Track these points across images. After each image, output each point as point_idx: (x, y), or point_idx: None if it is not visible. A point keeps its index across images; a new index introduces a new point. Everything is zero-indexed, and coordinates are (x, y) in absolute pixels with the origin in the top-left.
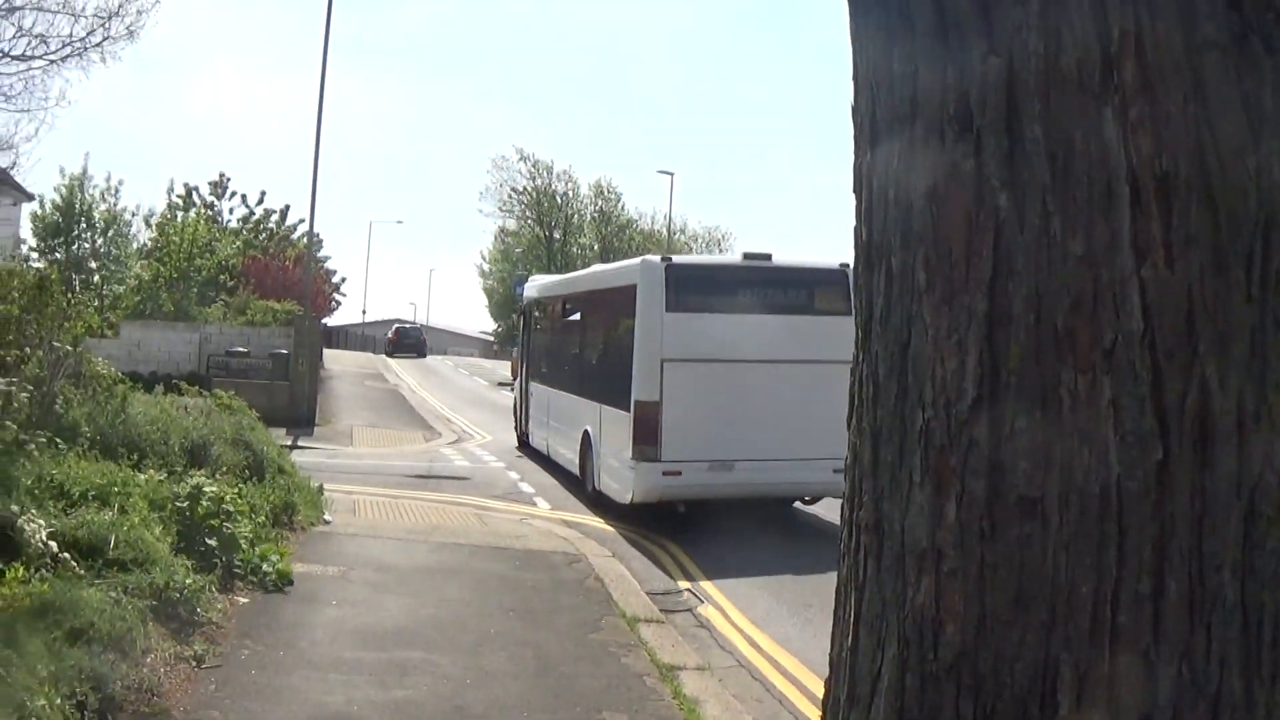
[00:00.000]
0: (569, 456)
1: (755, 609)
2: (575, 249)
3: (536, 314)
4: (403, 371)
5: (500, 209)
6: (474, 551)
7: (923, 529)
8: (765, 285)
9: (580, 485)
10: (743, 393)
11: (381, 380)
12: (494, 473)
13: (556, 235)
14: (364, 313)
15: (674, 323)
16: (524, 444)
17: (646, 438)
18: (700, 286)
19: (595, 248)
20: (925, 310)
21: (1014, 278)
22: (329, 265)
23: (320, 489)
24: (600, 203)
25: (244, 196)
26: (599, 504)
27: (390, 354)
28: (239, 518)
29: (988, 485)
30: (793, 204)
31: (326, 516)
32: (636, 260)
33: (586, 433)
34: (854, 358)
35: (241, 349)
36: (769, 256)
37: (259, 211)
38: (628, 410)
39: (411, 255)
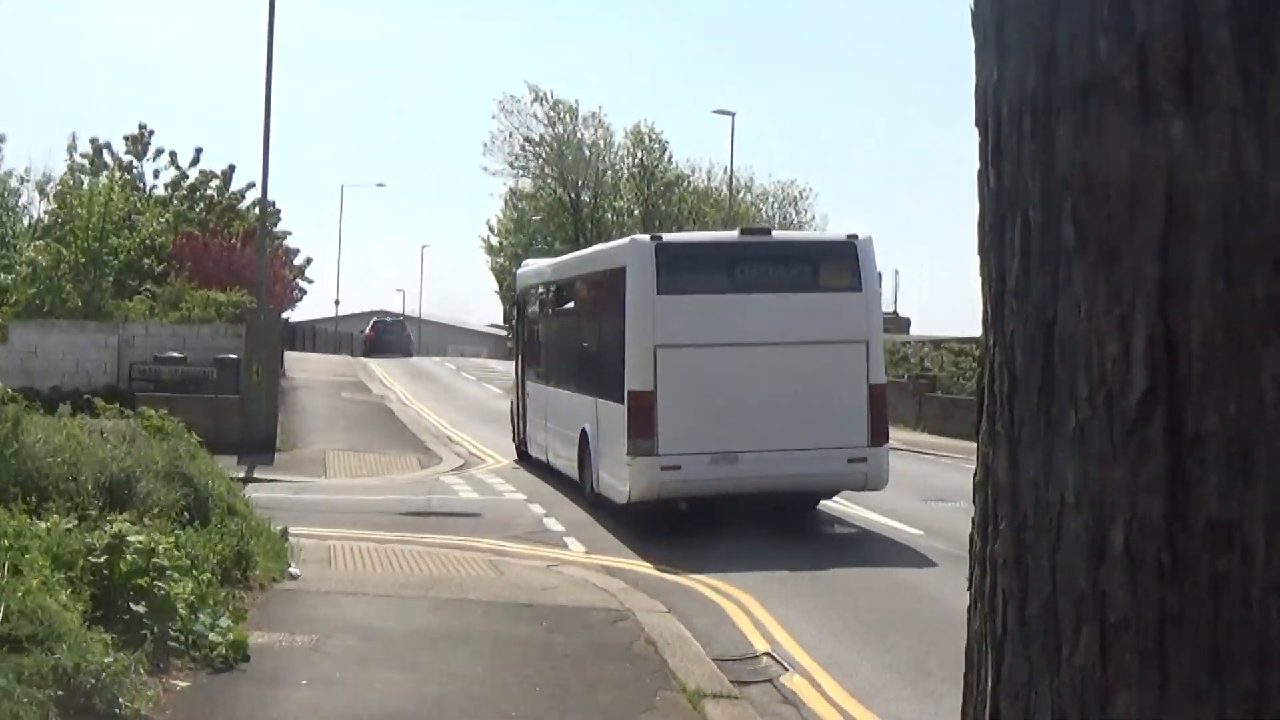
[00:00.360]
0: (567, 459)
1: (856, 677)
2: (610, 215)
3: (530, 304)
4: (389, 378)
5: (511, 165)
6: (488, 610)
7: (1080, 566)
8: (765, 262)
9: (579, 490)
10: (745, 379)
11: (362, 390)
12: (512, 507)
13: (585, 198)
14: (337, 304)
15: (667, 306)
16: (523, 454)
17: (642, 430)
18: (694, 266)
19: (635, 213)
20: (1076, 277)
21: (1195, 232)
22: (289, 243)
23: (284, 534)
24: (640, 154)
25: (173, 156)
26: (598, 507)
27: (367, 354)
28: (175, 575)
29: (1166, 505)
30: (891, 150)
31: (293, 569)
32: (625, 240)
33: (584, 431)
34: (982, 341)
35: (176, 354)
36: (768, 231)
37: (193, 175)
38: (623, 402)
39: (397, 229)
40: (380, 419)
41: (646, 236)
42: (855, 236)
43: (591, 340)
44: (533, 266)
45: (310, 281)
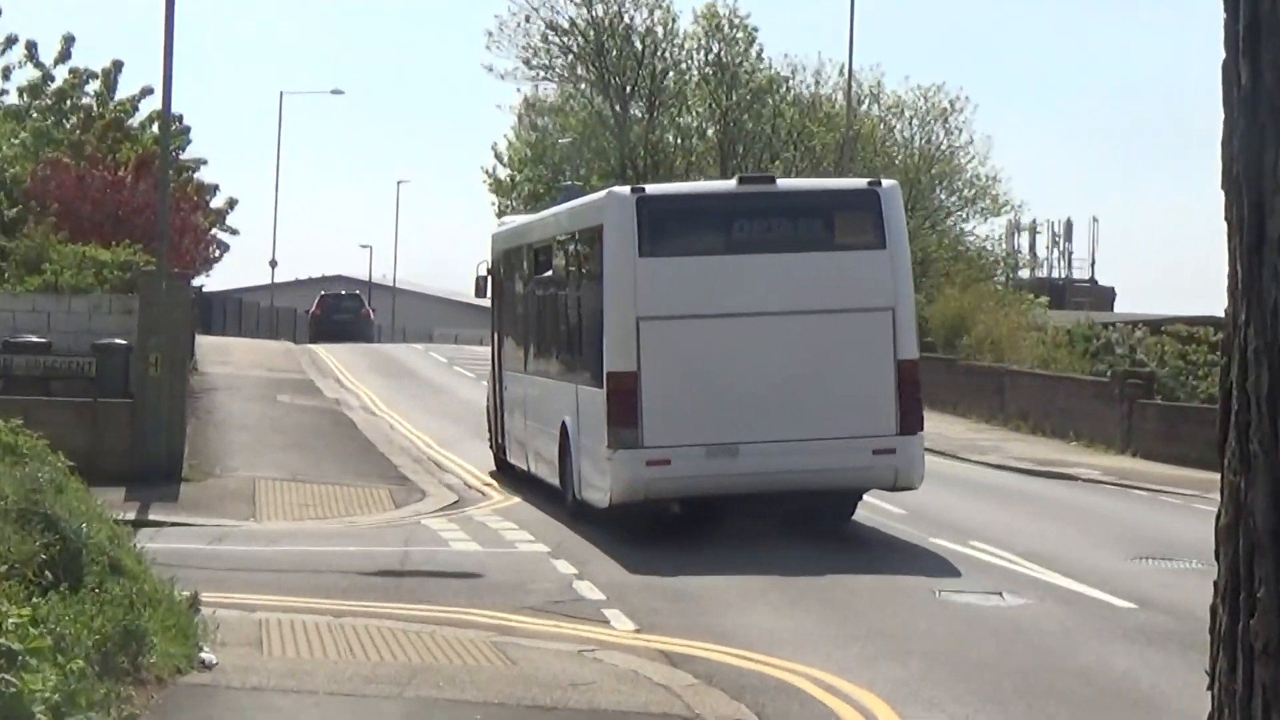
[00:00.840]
0: (548, 461)
1: None
2: (673, 137)
3: (506, 273)
4: (350, 374)
5: (528, 64)
6: (494, 716)
7: None
8: (769, 215)
9: (560, 499)
10: (747, 356)
11: (310, 392)
12: (527, 563)
13: (637, 111)
14: (274, 267)
15: (652, 270)
16: (501, 462)
17: (623, 417)
18: (684, 223)
19: (709, 132)
20: None
21: None
22: (204, 177)
23: (194, 603)
24: (717, 46)
25: (30, 48)
26: (582, 518)
27: (314, 339)
28: (31, 663)
29: None
30: (1078, 45)
31: (206, 655)
32: (602, 193)
33: (564, 425)
34: (1226, 318)
35: (35, 338)
36: (771, 179)
37: (61, 76)
38: (602, 387)
39: (361, 159)
40: (336, 434)
41: (626, 189)
42: (877, 183)
43: (570, 314)
44: (509, 226)
45: (235, 233)
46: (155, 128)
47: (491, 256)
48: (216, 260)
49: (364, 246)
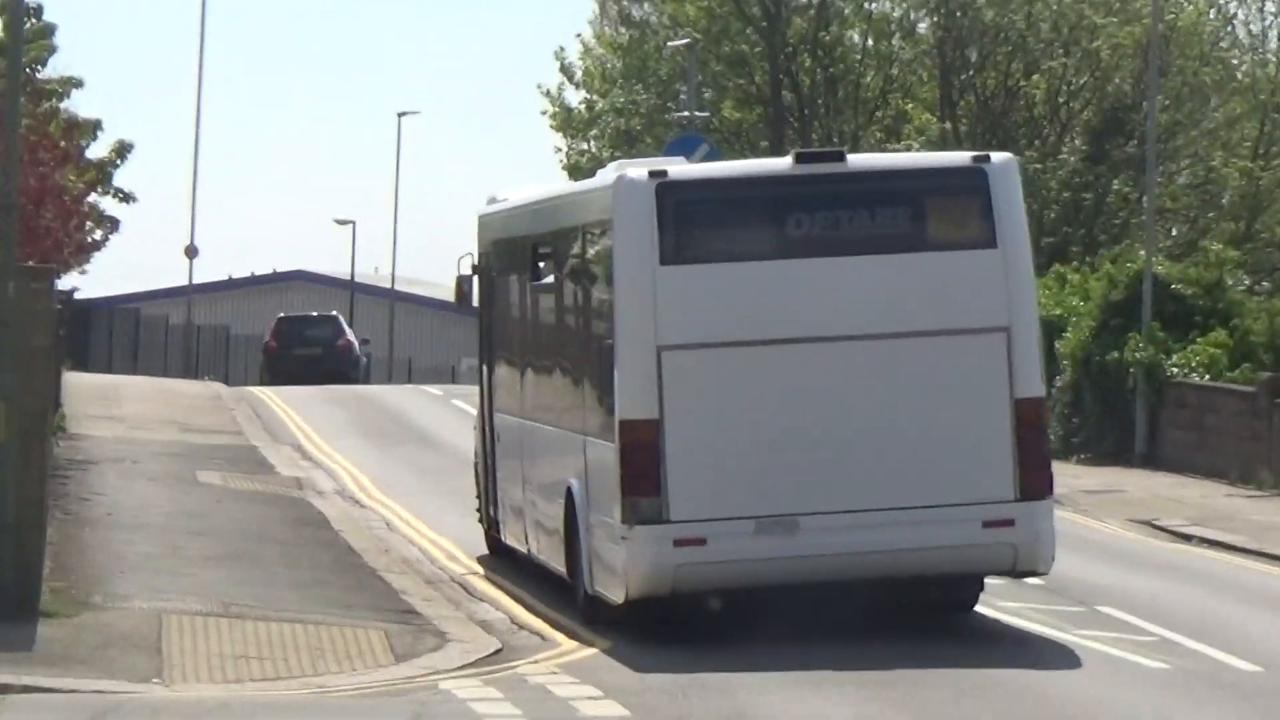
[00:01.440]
0: (550, 540)
1: None
2: (858, 35)
3: (495, 274)
4: (320, 434)
5: None
6: None
7: None
8: (837, 205)
9: (571, 593)
10: (809, 397)
11: (253, 467)
12: None
13: (801, 20)
14: (191, 255)
15: (678, 283)
16: (494, 543)
17: (642, 482)
18: (722, 217)
19: (920, 27)
20: None
21: None
22: (76, 109)
23: None
24: None
25: None
26: (598, 620)
27: (269, 380)
28: None
29: None
30: None
31: None
32: (608, 176)
33: (569, 491)
34: None
35: None
36: (840, 155)
37: None
38: (614, 440)
39: (337, 79)
40: (297, 538)
41: (644, 170)
42: (985, 158)
43: (576, 340)
44: (504, 206)
45: (127, 200)
46: None
47: (479, 249)
48: (97, 247)
49: (341, 223)
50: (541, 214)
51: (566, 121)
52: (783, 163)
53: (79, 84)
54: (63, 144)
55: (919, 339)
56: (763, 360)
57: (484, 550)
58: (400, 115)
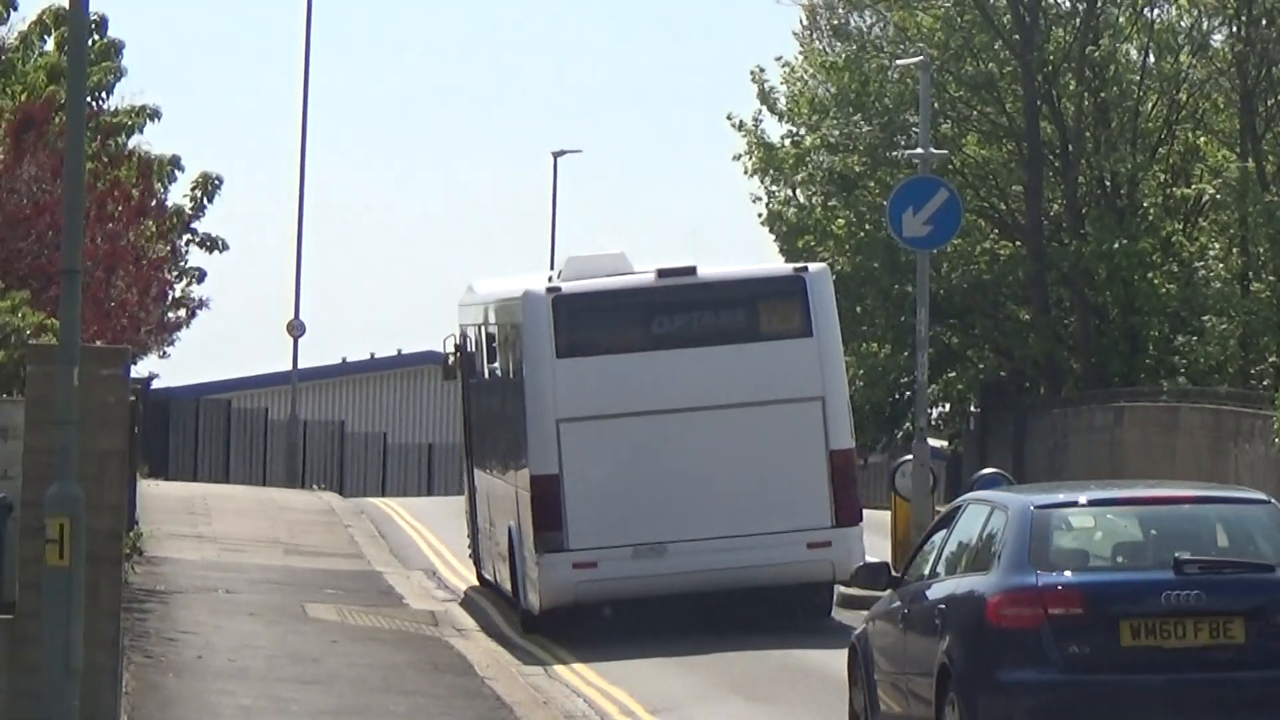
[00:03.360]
0: (504, 570)
1: None
2: (1136, 49)
3: (469, 352)
4: (465, 555)
5: None
6: None
7: None
8: (690, 308)
9: (516, 608)
10: (672, 453)
11: (378, 598)
12: None
13: (1063, 33)
14: (297, 333)
15: (570, 371)
16: (481, 577)
17: (547, 520)
18: (602, 320)
19: (1216, 39)
20: None
21: None
22: (152, 144)
23: None
24: None
25: None
26: (533, 629)
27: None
28: None
29: None
30: None
31: None
32: (518, 289)
33: (510, 531)
34: None
35: None
36: (693, 270)
37: None
38: (528, 490)
39: (467, 114)
40: (429, 685)
41: (541, 286)
42: (804, 269)
43: (510, 411)
44: (476, 295)
45: (216, 249)
46: (63, 58)
47: (459, 329)
48: (182, 324)
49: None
50: (490, 309)
51: (765, 157)
52: (648, 277)
53: (155, 115)
54: (137, 192)
55: (755, 407)
56: (636, 427)
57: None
58: (556, 155)
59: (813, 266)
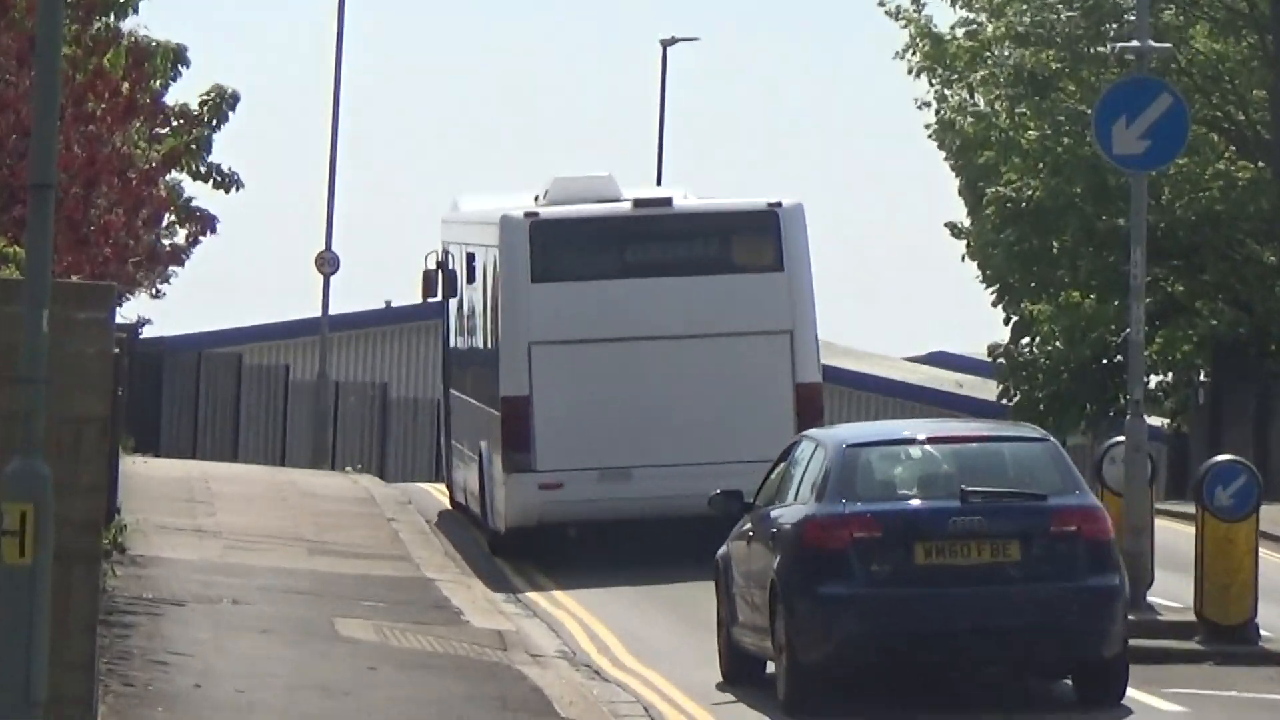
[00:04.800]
0: (473, 489)
1: None
2: None
3: (450, 270)
4: (545, 557)
5: None
6: None
7: None
8: (664, 239)
9: (484, 528)
10: (640, 380)
11: (431, 614)
12: None
13: None
14: (327, 268)
15: (544, 295)
16: (453, 502)
17: (516, 441)
18: (578, 246)
19: None
20: None
21: None
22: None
23: None
24: None
25: None
26: (498, 550)
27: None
28: None
29: None
30: None
31: None
32: (496, 213)
33: (482, 450)
34: None
35: None
36: (668, 201)
37: None
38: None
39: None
40: None
41: (519, 211)
42: (778, 204)
43: (485, 332)
44: (460, 213)
45: (228, 186)
46: None
47: (441, 246)
48: (181, 256)
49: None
50: (471, 228)
51: (935, 57)
52: (625, 206)
53: None
54: (127, 86)
55: (724, 338)
56: (607, 353)
57: None
58: (665, 44)
59: (786, 201)
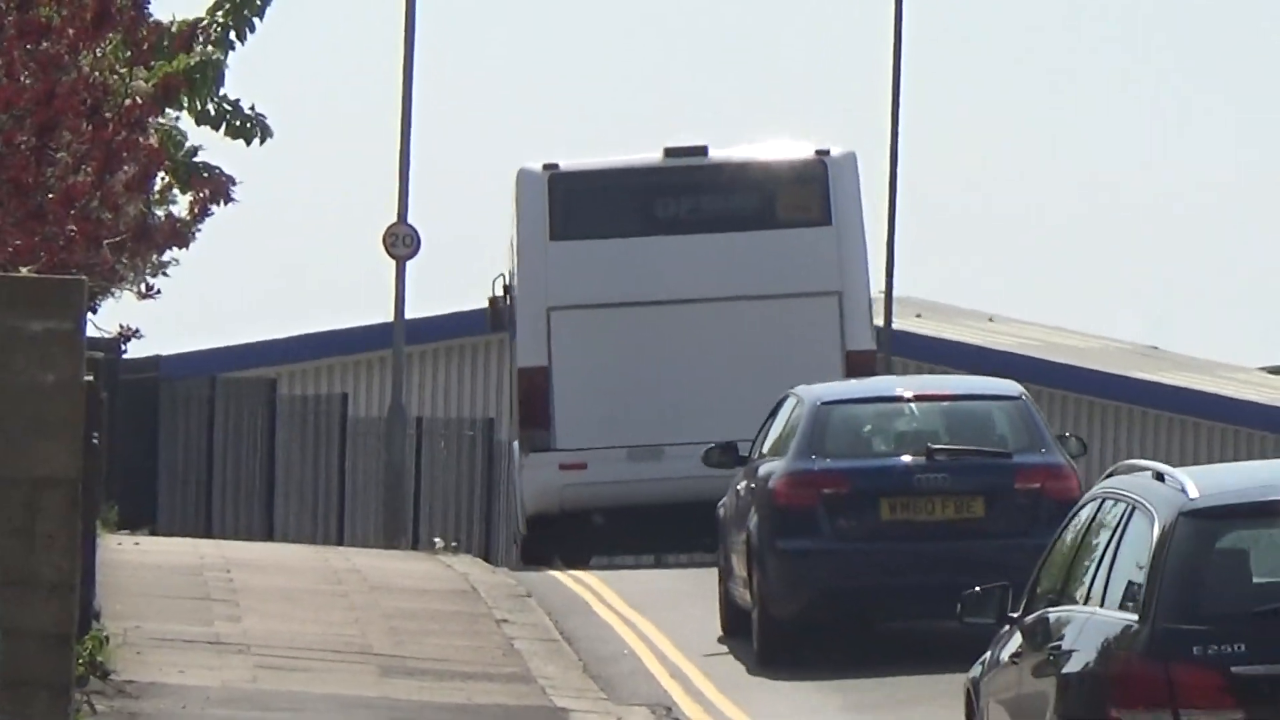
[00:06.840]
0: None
1: None
2: None
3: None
4: (726, 673)
5: None
6: None
7: None
8: (699, 192)
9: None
10: (673, 348)
11: None
12: None
13: None
14: (401, 249)
15: (565, 255)
16: None
17: (534, 417)
18: (603, 201)
19: None
20: None
21: None
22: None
23: None
24: None
25: None
26: (528, 555)
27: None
28: None
29: None
30: None
31: None
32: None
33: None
34: None
35: None
36: (703, 150)
37: None
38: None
39: None
40: None
41: (539, 164)
42: (826, 153)
43: (509, 298)
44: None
45: (251, 135)
46: None
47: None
48: (186, 235)
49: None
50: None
51: None
52: (654, 157)
53: None
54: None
55: (765, 300)
56: (635, 318)
57: None
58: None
59: (835, 150)
